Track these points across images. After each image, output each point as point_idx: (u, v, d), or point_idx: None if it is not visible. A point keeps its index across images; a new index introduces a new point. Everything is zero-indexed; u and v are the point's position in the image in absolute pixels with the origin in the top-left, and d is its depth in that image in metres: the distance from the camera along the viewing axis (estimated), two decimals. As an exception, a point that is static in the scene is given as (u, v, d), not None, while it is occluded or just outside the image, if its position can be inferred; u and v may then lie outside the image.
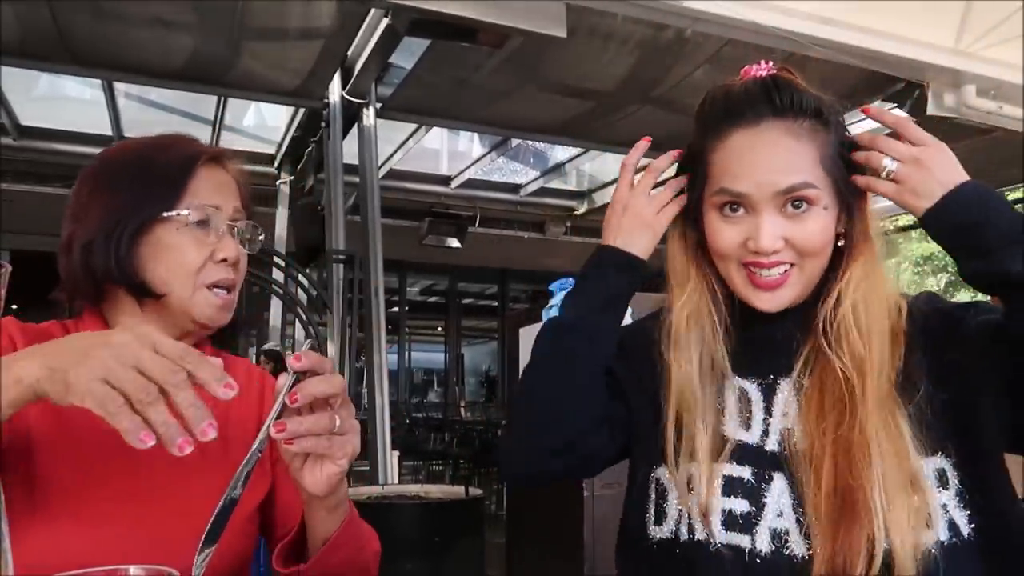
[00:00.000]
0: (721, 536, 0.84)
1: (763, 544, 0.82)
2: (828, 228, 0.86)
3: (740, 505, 0.84)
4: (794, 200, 0.85)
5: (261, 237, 1.06)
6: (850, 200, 0.87)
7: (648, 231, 0.95)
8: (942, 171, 0.81)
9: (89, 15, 3.91)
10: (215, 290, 0.98)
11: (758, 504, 0.84)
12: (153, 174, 0.97)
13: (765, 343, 0.91)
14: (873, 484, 0.78)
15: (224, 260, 0.98)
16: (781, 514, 0.82)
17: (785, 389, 0.89)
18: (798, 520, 0.81)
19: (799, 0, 3.66)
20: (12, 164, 5.68)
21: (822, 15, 3.71)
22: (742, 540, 0.83)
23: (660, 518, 0.90)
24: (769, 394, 0.90)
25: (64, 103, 6.32)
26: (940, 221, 0.81)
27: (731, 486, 0.86)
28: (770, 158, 0.85)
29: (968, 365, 0.82)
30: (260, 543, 1.39)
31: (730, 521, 0.84)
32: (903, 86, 4.27)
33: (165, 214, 0.95)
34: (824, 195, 0.86)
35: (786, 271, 0.87)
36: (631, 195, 0.97)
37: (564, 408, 0.92)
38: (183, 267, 0.96)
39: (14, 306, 0.97)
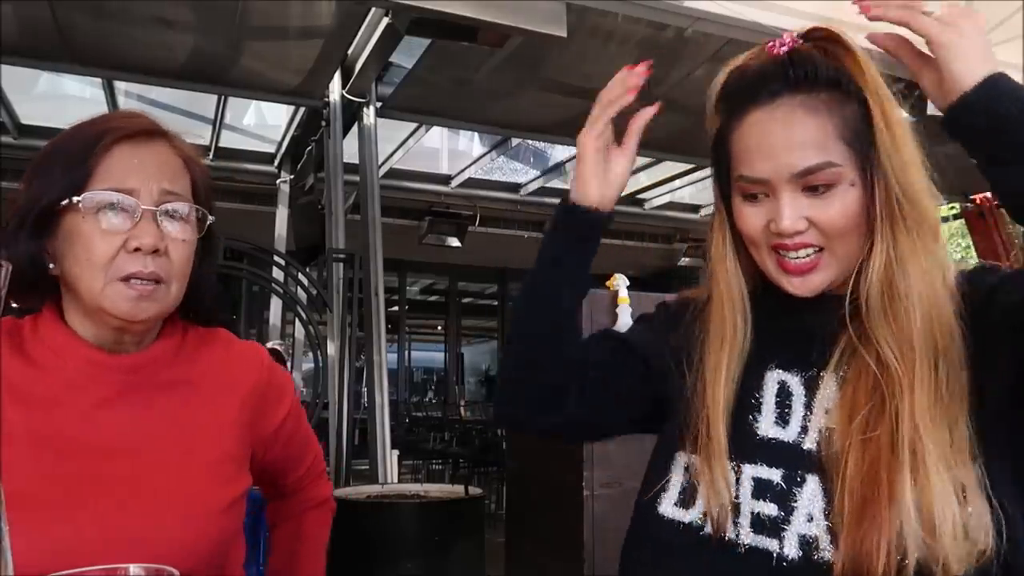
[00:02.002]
0: (749, 538, 0.81)
1: (791, 549, 0.78)
2: (855, 206, 0.81)
3: (769, 509, 0.81)
4: (814, 184, 0.81)
5: (211, 220, 0.97)
6: (877, 171, 0.81)
7: (585, 164, 0.91)
8: (981, 47, 0.74)
9: (89, 14, 3.91)
10: (132, 281, 0.88)
11: (787, 508, 0.80)
12: (59, 160, 0.90)
13: (808, 335, 0.86)
14: (903, 487, 0.74)
15: (138, 249, 0.88)
16: (811, 519, 0.79)
17: (829, 384, 0.84)
18: (829, 527, 0.77)
19: (799, 0, 3.66)
20: (12, 163, 5.67)
21: (822, 15, 3.69)
22: (770, 544, 0.80)
23: (688, 502, 0.87)
24: (811, 388, 0.85)
25: (64, 101, 6.32)
26: (984, 104, 0.72)
27: (760, 488, 0.82)
28: (785, 138, 0.82)
29: (986, 343, 0.78)
30: (261, 544, 1.39)
31: (757, 524, 0.81)
32: (903, 86, 4.28)
33: (63, 202, 0.88)
34: (848, 171, 0.81)
35: (814, 255, 0.83)
36: (581, 134, 0.92)
37: (534, 356, 0.95)
38: (90, 259, 0.87)
39: (14, 304, 0.96)
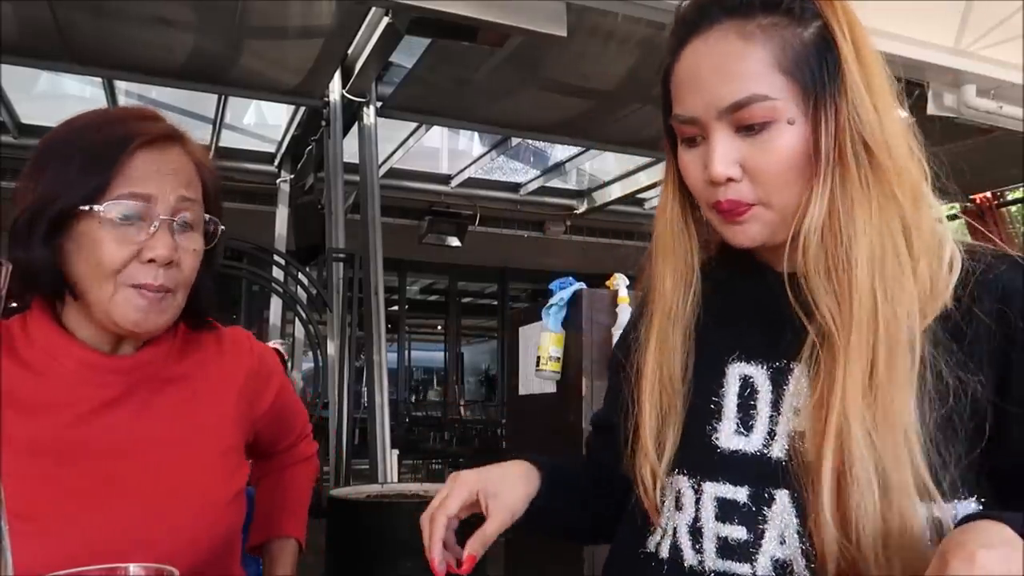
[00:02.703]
0: (715, 564, 0.73)
1: (764, 572, 0.70)
2: (795, 147, 0.70)
3: (737, 532, 0.72)
4: (747, 123, 0.70)
5: (221, 229, 0.96)
6: (830, 105, 0.70)
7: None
8: None
9: (89, 13, 3.90)
10: (141, 290, 0.87)
11: (757, 531, 0.71)
12: (77, 159, 0.86)
13: (778, 317, 0.73)
14: (823, 479, 0.64)
15: (152, 260, 0.86)
16: (783, 542, 0.70)
17: (799, 377, 0.72)
18: (803, 549, 0.69)
19: (799, 0, 3.65)
20: (12, 162, 5.67)
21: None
22: (740, 569, 0.71)
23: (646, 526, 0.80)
24: (779, 383, 0.74)
25: (64, 101, 6.31)
26: None
27: (725, 510, 0.73)
28: (713, 68, 0.71)
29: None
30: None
31: (725, 549, 0.73)
32: (903, 86, 4.27)
33: (82, 208, 0.85)
34: (787, 106, 0.69)
35: (748, 209, 0.73)
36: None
37: (561, 538, 1.02)
38: (100, 267, 0.85)
39: (14, 304, 0.95)
